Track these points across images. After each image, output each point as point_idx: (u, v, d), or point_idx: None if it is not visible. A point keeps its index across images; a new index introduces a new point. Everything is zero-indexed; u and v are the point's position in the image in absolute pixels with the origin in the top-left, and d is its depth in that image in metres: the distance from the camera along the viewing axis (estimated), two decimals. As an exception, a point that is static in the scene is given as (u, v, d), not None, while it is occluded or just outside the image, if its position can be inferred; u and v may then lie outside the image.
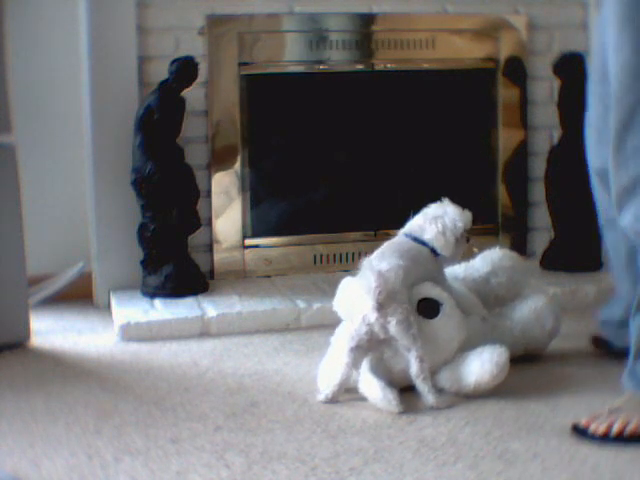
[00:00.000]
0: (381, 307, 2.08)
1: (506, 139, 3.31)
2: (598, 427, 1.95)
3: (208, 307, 2.82)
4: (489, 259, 2.50)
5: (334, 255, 3.22)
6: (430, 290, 2.24)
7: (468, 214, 2.35)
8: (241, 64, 3.07)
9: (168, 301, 2.88)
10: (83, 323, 2.89)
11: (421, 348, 2.10)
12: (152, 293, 2.94)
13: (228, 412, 2.13)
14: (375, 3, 3.16)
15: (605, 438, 1.93)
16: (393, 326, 2.09)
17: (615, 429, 1.93)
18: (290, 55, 3.13)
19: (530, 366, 2.37)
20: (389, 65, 3.21)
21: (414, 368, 2.10)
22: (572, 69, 3.09)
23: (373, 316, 2.09)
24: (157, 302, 2.89)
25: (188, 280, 2.96)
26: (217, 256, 3.13)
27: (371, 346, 2.14)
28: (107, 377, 2.38)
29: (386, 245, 2.30)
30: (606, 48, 2.05)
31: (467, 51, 3.26)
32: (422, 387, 2.12)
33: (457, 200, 3.34)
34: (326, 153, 3.25)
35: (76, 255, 3.10)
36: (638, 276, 2.13)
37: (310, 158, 3.25)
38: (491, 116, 3.30)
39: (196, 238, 3.04)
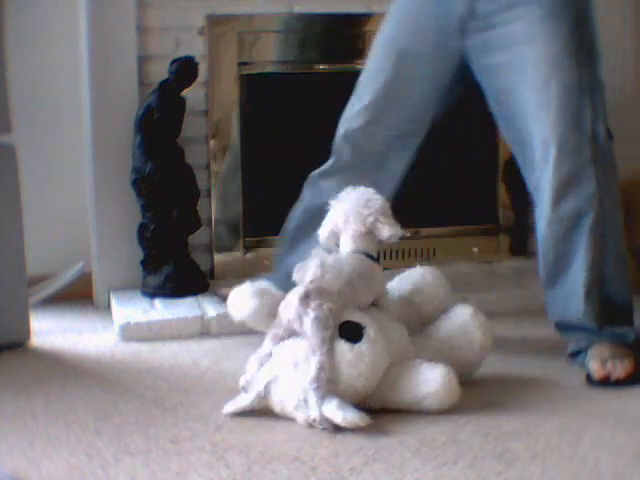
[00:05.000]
0: (306, 297, 2.00)
1: (506, 139, 3.31)
2: (619, 374, 2.23)
3: (208, 307, 2.82)
4: (410, 279, 2.33)
5: (334, 255, 3.21)
6: (353, 315, 2.06)
7: (364, 189, 2.30)
8: (241, 64, 3.07)
9: (168, 301, 2.88)
10: (83, 323, 2.89)
11: (326, 355, 1.95)
12: (152, 293, 2.94)
13: (228, 412, 2.13)
14: (375, 3, 3.15)
15: (626, 381, 2.22)
16: (309, 320, 1.98)
17: (627, 372, 2.24)
18: (290, 55, 3.12)
19: (530, 366, 2.37)
20: (389, 65, 3.21)
21: (311, 374, 1.94)
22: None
23: (295, 303, 2.02)
24: (157, 302, 2.89)
25: (188, 280, 2.96)
26: (217, 256, 3.13)
27: (287, 335, 2.05)
28: (107, 377, 2.38)
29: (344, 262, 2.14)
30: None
31: (467, 51, 3.24)
32: (311, 397, 1.95)
33: (457, 200, 3.35)
34: (326, 153, 3.24)
35: (76, 255, 3.10)
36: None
37: (310, 158, 3.24)
38: (491, 116, 3.29)
39: (196, 238, 3.04)
